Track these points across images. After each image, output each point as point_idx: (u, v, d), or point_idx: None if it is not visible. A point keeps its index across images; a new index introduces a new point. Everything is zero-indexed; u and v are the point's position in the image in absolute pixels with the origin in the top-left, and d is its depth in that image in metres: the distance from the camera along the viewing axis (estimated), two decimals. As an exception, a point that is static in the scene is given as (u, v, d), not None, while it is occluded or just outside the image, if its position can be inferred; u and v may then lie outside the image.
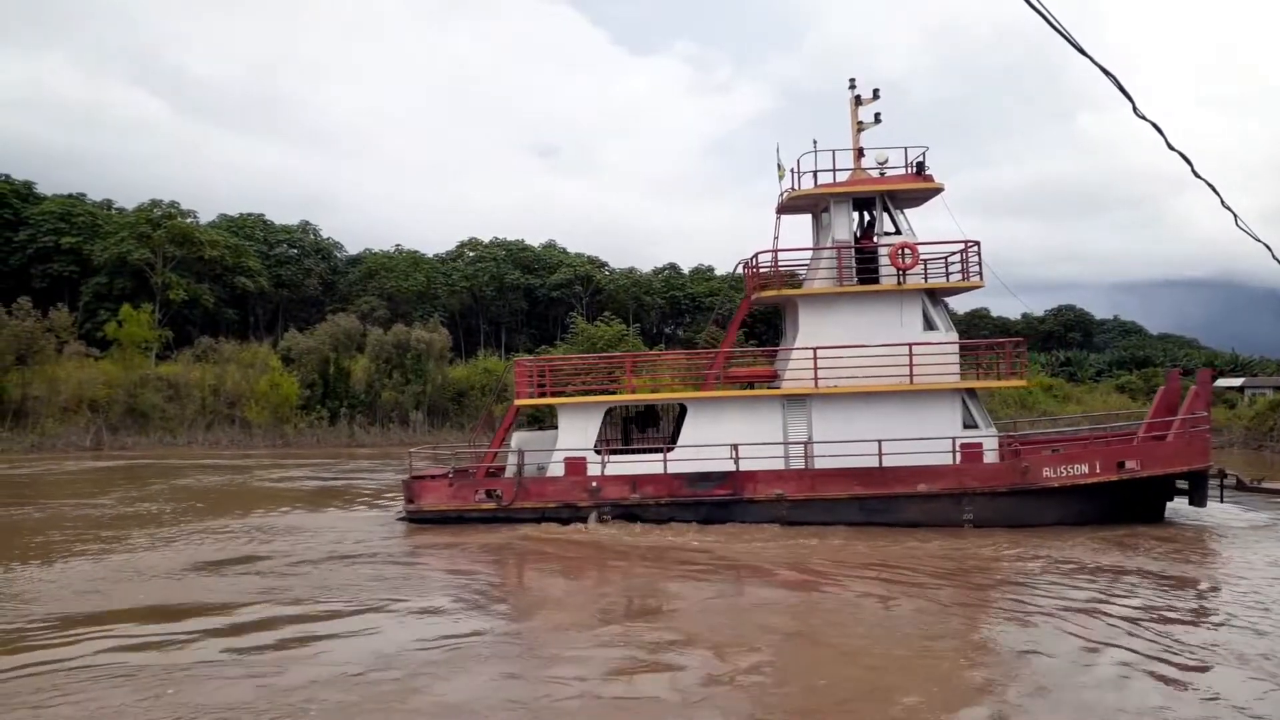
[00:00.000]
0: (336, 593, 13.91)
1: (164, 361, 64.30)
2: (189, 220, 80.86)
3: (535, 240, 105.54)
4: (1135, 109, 6.01)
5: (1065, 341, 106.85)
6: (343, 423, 55.96)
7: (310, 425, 55.35)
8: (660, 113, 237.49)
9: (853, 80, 21.31)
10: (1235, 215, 8.20)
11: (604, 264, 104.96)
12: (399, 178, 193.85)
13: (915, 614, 12.39)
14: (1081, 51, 5.14)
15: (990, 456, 19.85)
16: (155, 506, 24.41)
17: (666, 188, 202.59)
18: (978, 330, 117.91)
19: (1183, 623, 11.60)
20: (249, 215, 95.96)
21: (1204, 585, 14.01)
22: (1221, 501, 20.79)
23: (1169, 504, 20.29)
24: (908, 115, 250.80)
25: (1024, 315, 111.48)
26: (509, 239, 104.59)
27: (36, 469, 37.82)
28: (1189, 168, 7.19)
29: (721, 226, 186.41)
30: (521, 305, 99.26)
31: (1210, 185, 7.56)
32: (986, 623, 12.10)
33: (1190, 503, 19.58)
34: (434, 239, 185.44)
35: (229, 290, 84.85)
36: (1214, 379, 18.48)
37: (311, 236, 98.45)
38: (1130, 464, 19.08)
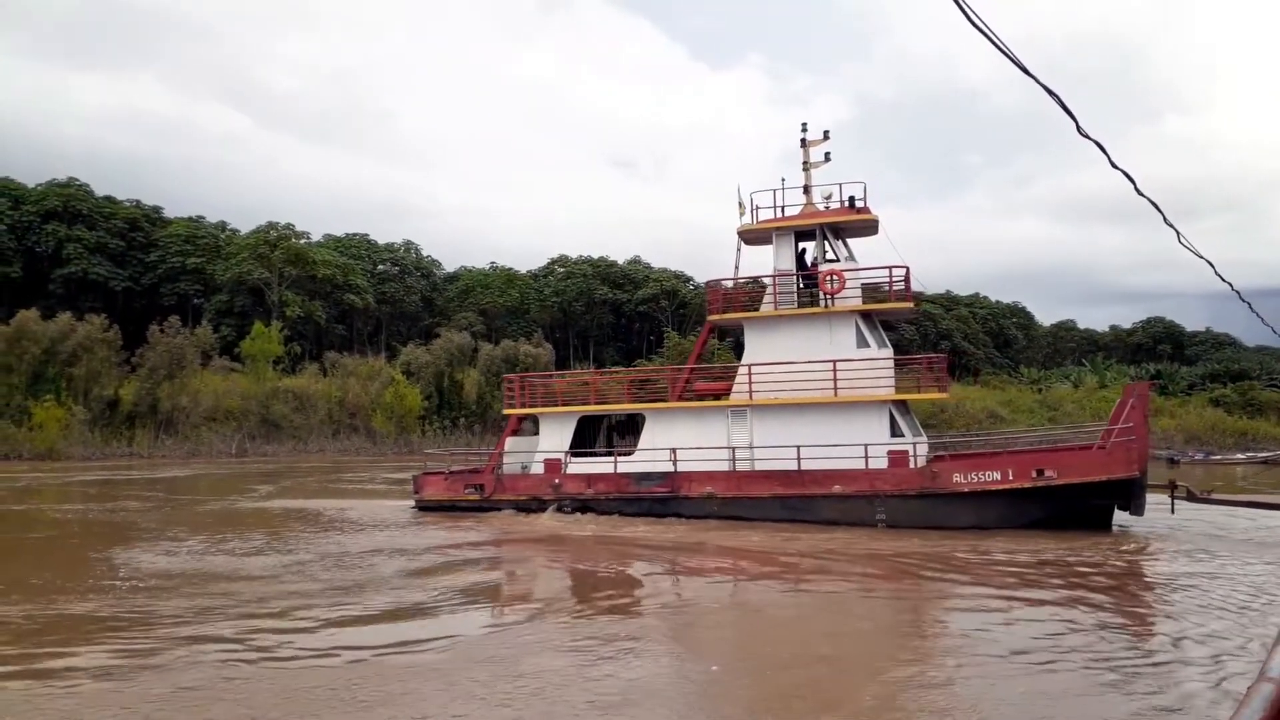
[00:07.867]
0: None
1: (284, 375, 68.97)
2: (302, 241, 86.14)
3: (621, 255, 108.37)
4: (1079, 128, 5.98)
5: (1155, 354, 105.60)
6: (460, 431, 59.86)
7: (433, 433, 59.37)
8: (740, 124, 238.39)
9: (804, 124, 23.85)
10: (1178, 233, 8.37)
11: (689, 278, 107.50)
12: (485, 192, 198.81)
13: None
14: (1026, 72, 5.24)
15: (917, 464, 21.08)
16: (264, 503, 28.70)
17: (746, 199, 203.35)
18: (1064, 341, 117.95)
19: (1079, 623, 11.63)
20: (354, 235, 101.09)
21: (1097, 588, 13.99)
22: (1172, 513, 20.89)
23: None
24: (985, 124, 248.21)
25: (1112, 327, 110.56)
26: (595, 255, 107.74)
27: (207, 472, 42.13)
28: (1133, 186, 7.16)
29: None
30: (609, 319, 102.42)
31: (1153, 203, 7.58)
32: (893, 611, 13.18)
33: (1130, 512, 19.82)
34: (520, 252, 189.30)
35: (336, 306, 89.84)
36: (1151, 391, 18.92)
37: (413, 255, 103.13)
38: (1049, 472, 19.65)
